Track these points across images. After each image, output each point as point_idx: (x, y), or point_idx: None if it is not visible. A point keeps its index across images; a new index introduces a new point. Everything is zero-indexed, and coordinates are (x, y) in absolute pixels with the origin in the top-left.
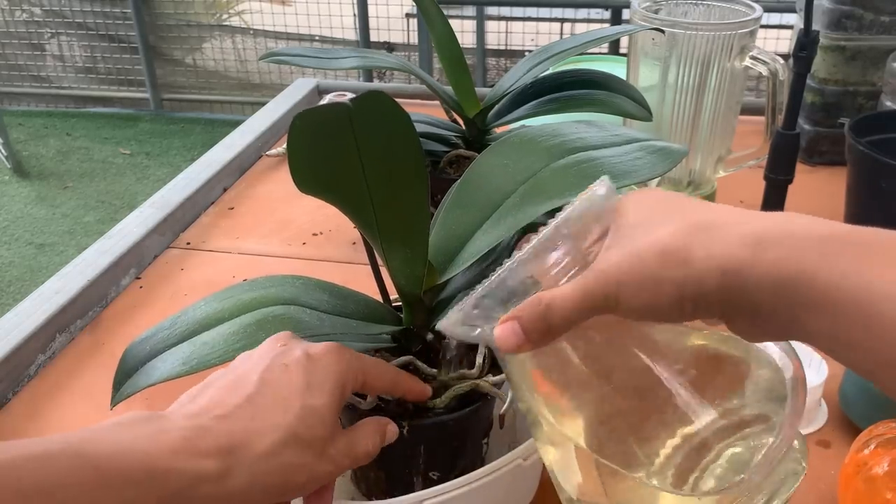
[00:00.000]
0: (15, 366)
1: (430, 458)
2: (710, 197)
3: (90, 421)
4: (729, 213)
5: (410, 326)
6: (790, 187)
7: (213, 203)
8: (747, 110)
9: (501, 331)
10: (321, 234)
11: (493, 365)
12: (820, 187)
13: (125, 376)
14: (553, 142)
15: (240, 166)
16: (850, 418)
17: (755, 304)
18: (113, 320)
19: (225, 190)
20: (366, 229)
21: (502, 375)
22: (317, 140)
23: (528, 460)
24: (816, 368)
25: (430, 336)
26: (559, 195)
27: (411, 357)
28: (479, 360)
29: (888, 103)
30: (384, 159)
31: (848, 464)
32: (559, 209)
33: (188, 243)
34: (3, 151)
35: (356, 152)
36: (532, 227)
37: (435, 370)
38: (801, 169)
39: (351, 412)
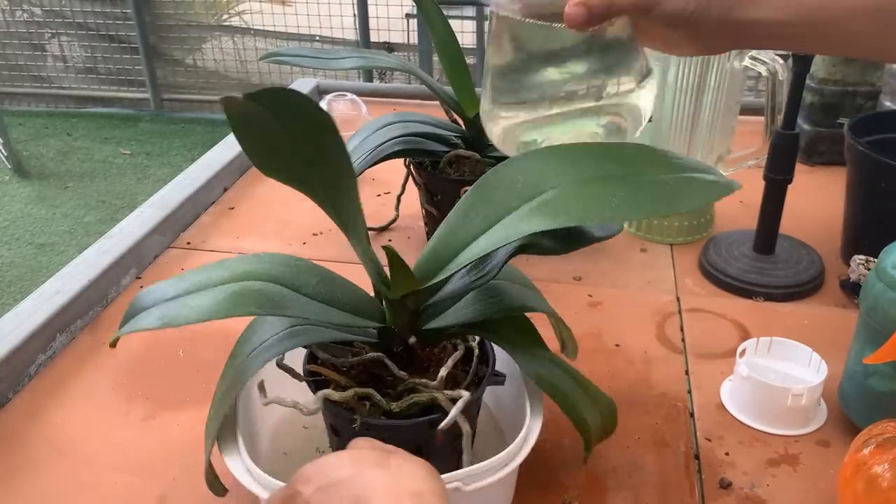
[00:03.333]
0: (15, 366)
1: None
2: None
3: (91, 420)
4: None
5: (392, 326)
6: (790, 187)
7: (213, 203)
8: (747, 110)
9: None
10: (321, 233)
11: (459, 383)
12: (819, 187)
13: (127, 320)
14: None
15: (240, 166)
16: (849, 418)
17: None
18: (113, 320)
19: (225, 190)
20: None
21: (460, 391)
22: (250, 130)
23: (480, 481)
24: (816, 368)
25: (412, 339)
26: (570, 214)
27: (380, 354)
28: (442, 372)
29: (887, 103)
30: (311, 151)
31: (847, 463)
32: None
33: (188, 243)
34: (3, 151)
35: (289, 141)
36: (530, 243)
37: (404, 373)
38: (800, 169)
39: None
